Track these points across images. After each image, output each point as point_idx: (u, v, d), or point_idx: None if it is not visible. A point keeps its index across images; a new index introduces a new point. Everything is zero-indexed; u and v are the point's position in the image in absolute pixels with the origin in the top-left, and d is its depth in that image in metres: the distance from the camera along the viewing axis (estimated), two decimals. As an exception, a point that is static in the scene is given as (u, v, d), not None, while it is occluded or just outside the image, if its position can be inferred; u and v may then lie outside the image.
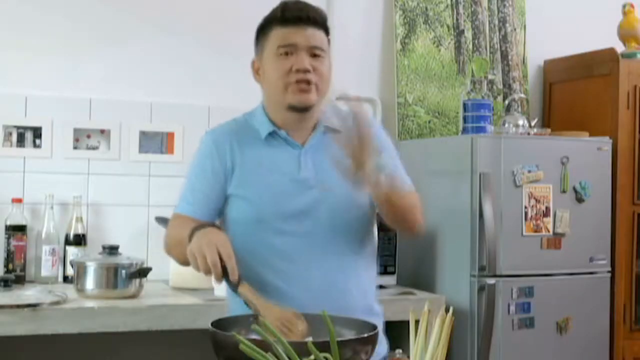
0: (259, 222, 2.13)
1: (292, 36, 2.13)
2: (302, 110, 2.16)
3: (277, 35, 2.14)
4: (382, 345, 2.22)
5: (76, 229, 3.48)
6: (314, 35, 2.15)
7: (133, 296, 3.11)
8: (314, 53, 2.14)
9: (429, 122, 4.21)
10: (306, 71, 2.11)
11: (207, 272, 1.90)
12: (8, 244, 3.39)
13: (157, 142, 3.72)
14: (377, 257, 2.33)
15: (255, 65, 2.24)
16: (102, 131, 3.64)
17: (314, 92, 2.14)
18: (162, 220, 3.51)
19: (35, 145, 3.54)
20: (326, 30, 2.20)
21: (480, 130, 3.81)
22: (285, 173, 2.16)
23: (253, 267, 2.13)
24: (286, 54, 2.12)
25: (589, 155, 3.76)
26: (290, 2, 2.18)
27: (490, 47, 4.40)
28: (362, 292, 2.21)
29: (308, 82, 2.12)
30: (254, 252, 2.14)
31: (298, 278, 2.12)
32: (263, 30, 2.20)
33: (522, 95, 4.31)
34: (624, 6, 4.13)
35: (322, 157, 2.15)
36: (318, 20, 2.17)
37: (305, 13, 2.15)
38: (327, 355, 1.33)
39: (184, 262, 2.07)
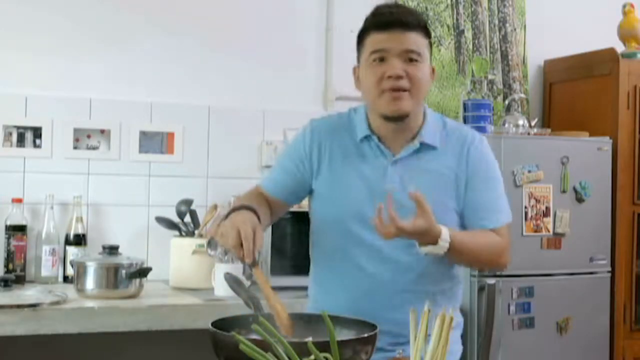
0: (336, 224, 2.15)
1: (384, 41, 2.07)
2: (396, 119, 2.11)
3: (371, 41, 2.09)
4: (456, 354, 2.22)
5: (76, 229, 3.48)
6: (408, 39, 2.07)
7: (133, 296, 3.11)
8: (409, 58, 2.07)
9: (429, 122, 4.20)
10: (398, 77, 2.05)
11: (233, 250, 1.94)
12: (8, 244, 3.39)
13: (157, 142, 3.72)
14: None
15: (355, 72, 2.19)
16: (102, 131, 3.64)
17: (407, 99, 2.07)
18: (162, 220, 3.52)
19: (35, 145, 3.54)
20: (425, 33, 2.12)
21: (480, 130, 3.80)
22: (369, 181, 2.13)
23: (327, 263, 2.22)
24: (380, 60, 2.07)
25: (589, 155, 3.76)
26: (383, 6, 2.13)
27: (490, 47, 4.40)
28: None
29: (400, 90, 2.06)
30: (330, 250, 2.19)
31: (364, 287, 2.12)
32: (360, 37, 2.15)
33: (522, 95, 4.31)
34: (624, 6, 4.13)
35: (411, 173, 2.11)
36: (412, 23, 2.08)
37: (397, 17, 2.08)
38: (327, 355, 1.33)
39: None
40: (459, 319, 2.26)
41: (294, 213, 3.16)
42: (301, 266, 3.47)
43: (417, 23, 2.10)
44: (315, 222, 2.25)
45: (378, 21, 2.09)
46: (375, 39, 2.08)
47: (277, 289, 3.38)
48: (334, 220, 2.17)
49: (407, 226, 1.89)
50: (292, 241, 3.46)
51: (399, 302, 2.09)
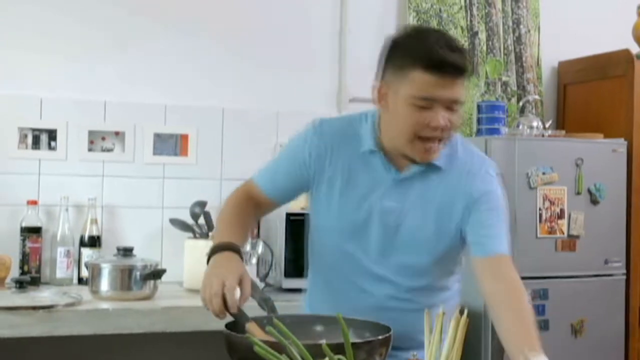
0: (332, 237, 2.10)
1: (435, 89, 1.90)
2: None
3: (418, 81, 1.90)
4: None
5: (91, 230, 3.49)
6: (458, 87, 1.92)
7: (147, 298, 3.12)
8: (452, 107, 1.94)
9: (443, 123, 4.19)
10: (441, 129, 1.93)
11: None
12: (23, 245, 3.40)
13: (171, 144, 3.73)
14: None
15: (381, 91, 2.00)
16: (117, 133, 3.65)
17: (439, 148, 1.98)
18: (176, 222, 3.53)
19: (50, 148, 3.55)
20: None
21: (494, 132, 3.80)
22: (368, 196, 2.06)
23: (325, 271, 2.17)
24: (423, 106, 1.92)
25: (603, 156, 3.74)
26: (438, 45, 1.91)
27: (504, 48, 4.39)
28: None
29: (438, 140, 1.96)
30: (328, 258, 2.15)
31: (360, 304, 2.05)
32: (400, 63, 1.95)
33: (537, 97, 4.30)
34: (638, 7, 4.11)
35: (413, 192, 2.05)
36: (463, 68, 1.92)
37: (453, 61, 1.89)
38: (342, 357, 1.33)
39: None
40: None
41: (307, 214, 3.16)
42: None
43: (467, 68, 1.94)
44: (314, 227, 2.18)
45: (434, 61, 1.89)
46: (425, 81, 1.90)
47: (291, 291, 3.40)
48: (330, 232, 2.11)
49: None
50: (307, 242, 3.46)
51: (394, 316, 2.00)
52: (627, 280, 3.78)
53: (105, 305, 2.99)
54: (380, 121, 2.06)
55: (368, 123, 2.09)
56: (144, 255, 3.34)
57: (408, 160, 2.02)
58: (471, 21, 4.33)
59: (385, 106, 2.00)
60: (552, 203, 3.58)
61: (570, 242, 3.63)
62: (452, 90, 1.92)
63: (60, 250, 3.43)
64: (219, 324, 1.77)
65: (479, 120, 3.90)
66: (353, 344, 1.40)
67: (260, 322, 1.80)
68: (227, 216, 2.14)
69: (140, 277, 3.10)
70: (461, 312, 1.57)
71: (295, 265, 3.43)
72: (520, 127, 3.86)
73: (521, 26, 4.43)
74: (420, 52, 1.91)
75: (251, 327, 1.78)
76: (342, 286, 2.12)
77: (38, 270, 3.42)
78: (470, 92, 4.24)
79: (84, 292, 3.12)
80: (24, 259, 3.40)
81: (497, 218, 2.06)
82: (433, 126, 1.92)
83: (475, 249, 2.03)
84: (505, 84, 4.30)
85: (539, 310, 3.52)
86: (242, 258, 1.95)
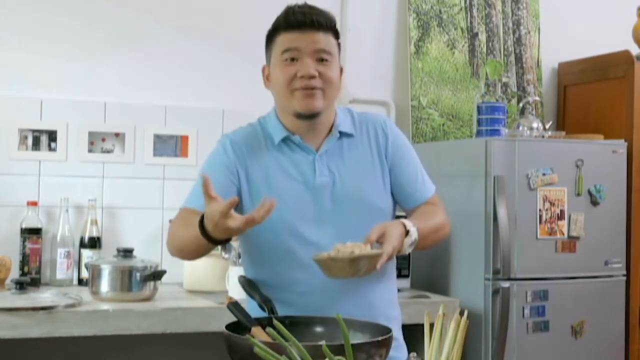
0: (277, 231, 2.09)
1: (296, 41, 2.09)
2: (310, 117, 2.13)
3: (282, 40, 2.11)
4: (402, 350, 2.23)
5: (91, 231, 3.49)
6: (319, 39, 2.10)
7: (147, 299, 3.12)
8: (321, 57, 2.10)
9: (443, 125, 4.20)
10: (311, 77, 2.08)
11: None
12: (23, 246, 3.40)
13: (171, 145, 3.73)
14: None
15: (265, 71, 2.21)
16: (117, 134, 3.65)
17: (319, 97, 2.10)
18: (176, 223, 3.53)
19: (50, 149, 3.55)
20: (335, 34, 2.16)
21: (495, 133, 3.80)
22: (300, 179, 2.13)
23: (272, 274, 2.14)
24: (291, 59, 2.09)
25: (603, 158, 3.74)
26: (295, 7, 2.15)
27: (504, 49, 4.40)
28: (383, 300, 2.20)
29: (313, 88, 2.09)
30: (273, 259, 2.13)
31: (317, 287, 2.08)
32: (270, 37, 2.17)
33: (537, 98, 4.30)
34: (638, 8, 4.12)
35: (338, 163, 2.15)
36: (323, 24, 2.12)
37: (309, 17, 2.10)
38: (342, 358, 1.33)
39: (198, 255, 2.13)
40: (396, 315, 2.27)
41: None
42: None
43: (328, 24, 2.13)
44: (252, 234, 2.07)
45: (290, 20, 2.11)
46: (287, 38, 2.10)
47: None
48: (272, 228, 2.06)
49: (388, 251, 1.92)
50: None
51: (358, 290, 2.11)
52: (627, 282, 3.78)
53: (105, 306, 2.99)
54: (276, 106, 2.22)
55: (271, 119, 2.22)
56: (144, 256, 3.33)
57: (300, 118, 2.13)
58: (471, 22, 4.33)
59: (270, 83, 2.18)
60: (552, 204, 3.58)
61: (570, 243, 3.63)
62: (314, 41, 2.09)
63: (61, 251, 3.43)
64: (219, 325, 1.77)
65: (479, 122, 3.90)
66: (353, 345, 1.40)
67: (260, 323, 1.80)
68: (183, 220, 2.13)
69: (141, 278, 3.10)
70: (461, 314, 1.57)
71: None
72: (521, 128, 3.86)
73: (521, 27, 4.43)
74: (281, 19, 2.13)
75: (257, 331, 1.80)
76: (298, 275, 2.11)
77: (38, 271, 3.42)
78: (470, 93, 4.24)
79: (84, 293, 3.12)
80: (24, 260, 3.40)
81: (415, 165, 2.25)
82: (302, 75, 2.07)
83: (407, 202, 2.24)
84: (505, 85, 4.30)
85: (539, 311, 3.52)
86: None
